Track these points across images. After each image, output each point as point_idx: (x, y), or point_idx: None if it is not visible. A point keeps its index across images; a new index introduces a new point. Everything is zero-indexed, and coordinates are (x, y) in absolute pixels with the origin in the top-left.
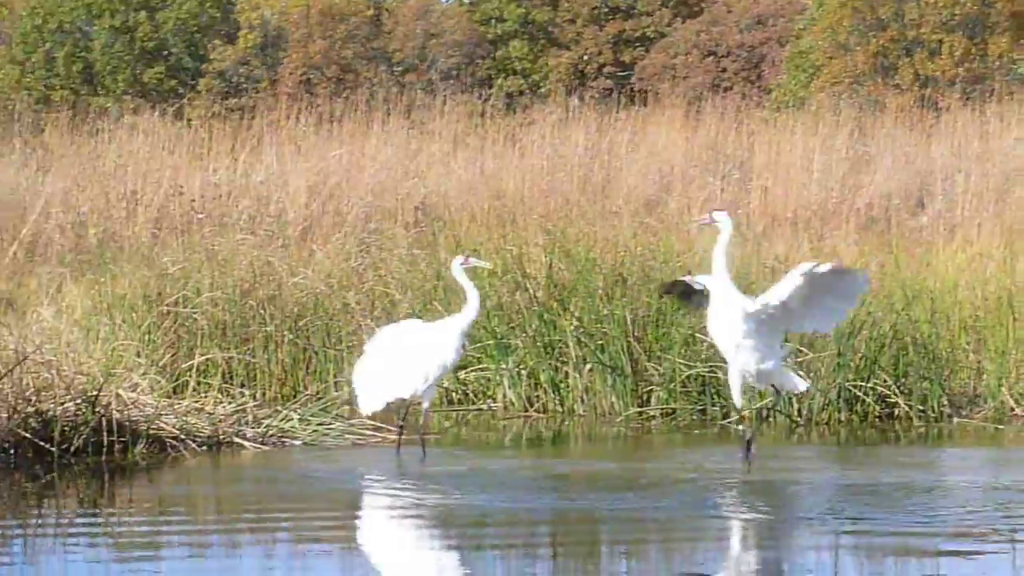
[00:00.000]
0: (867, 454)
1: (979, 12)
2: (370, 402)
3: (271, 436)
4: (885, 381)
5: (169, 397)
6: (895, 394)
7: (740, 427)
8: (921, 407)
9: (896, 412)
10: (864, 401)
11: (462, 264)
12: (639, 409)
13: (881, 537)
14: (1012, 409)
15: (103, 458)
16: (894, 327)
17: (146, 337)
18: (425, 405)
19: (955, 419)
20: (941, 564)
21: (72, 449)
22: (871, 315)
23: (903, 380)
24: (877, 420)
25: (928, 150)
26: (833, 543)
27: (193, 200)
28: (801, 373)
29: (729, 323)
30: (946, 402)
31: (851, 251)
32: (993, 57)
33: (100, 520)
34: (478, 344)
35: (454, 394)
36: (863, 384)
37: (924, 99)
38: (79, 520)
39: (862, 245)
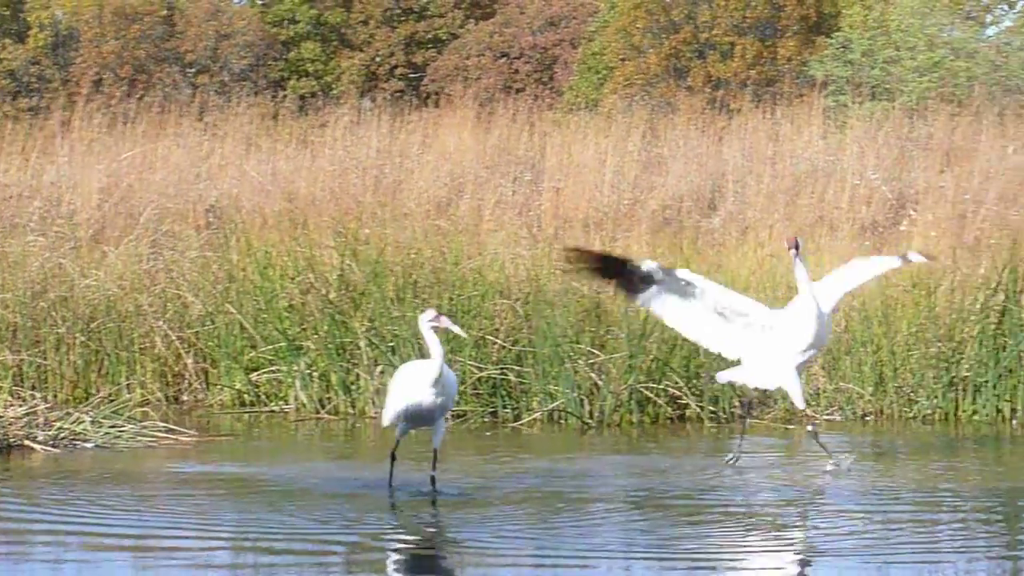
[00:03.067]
0: (661, 456)
1: (770, 16)
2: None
3: (62, 439)
4: (677, 383)
5: None
6: (687, 395)
7: (809, 427)
8: (712, 408)
9: (687, 413)
10: (656, 402)
11: (430, 321)
12: None
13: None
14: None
15: None
16: None
17: None
18: (434, 442)
19: (746, 420)
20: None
21: None
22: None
23: (694, 381)
24: (669, 421)
25: (720, 152)
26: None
27: None
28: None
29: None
30: (737, 403)
31: (644, 252)
32: (783, 60)
33: None
34: (269, 345)
35: (246, 396)
36: (655, 386)
37: (716, 101)
38: None
39: (654, 246)
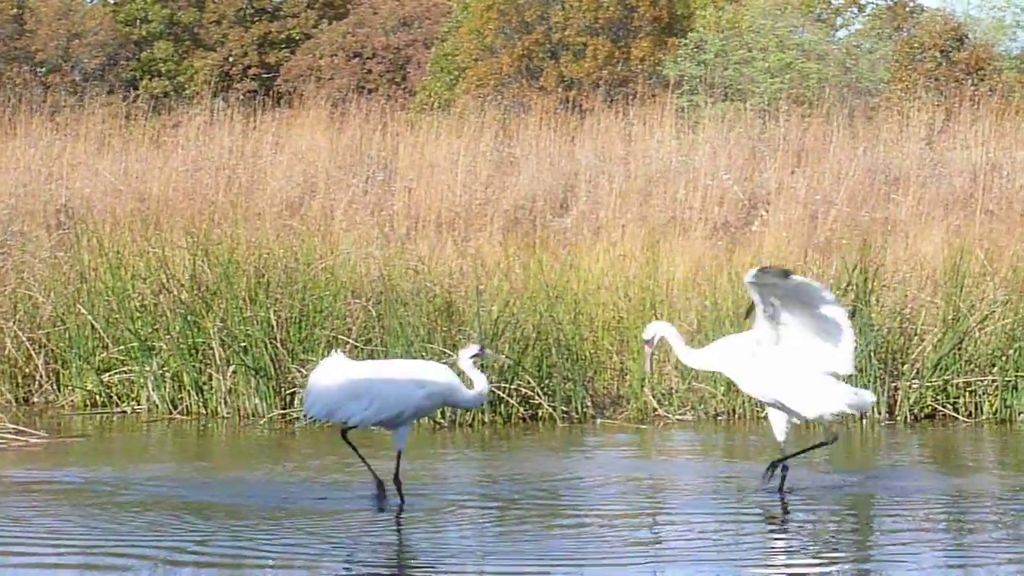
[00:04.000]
0: (512, 456)
1: (622, 16)
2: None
3: None
4: (529, 382)
5: None
6: (539, 395)
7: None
8: (565, 408)
9: (540, 413)
10: (508, 402)
11: (473, 357)
12: (282, 411)
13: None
14: (655, 409)
15: None
16: (537, 328)
17: None
18: (399, 445)
19: (598, 420)
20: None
21: None
22: (515, 316)
23: (547, 381)
24: (521, 421)
25: (572, 152)
26: (480, 533)
27: None
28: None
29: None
30: (589, 403)
31: (496, 252)
32: (636, 60)
33: None
34: (121, 346)
35: (98, 396)
36: (507, 386)
37: (569, 101)
38: None
39: (507, 246)
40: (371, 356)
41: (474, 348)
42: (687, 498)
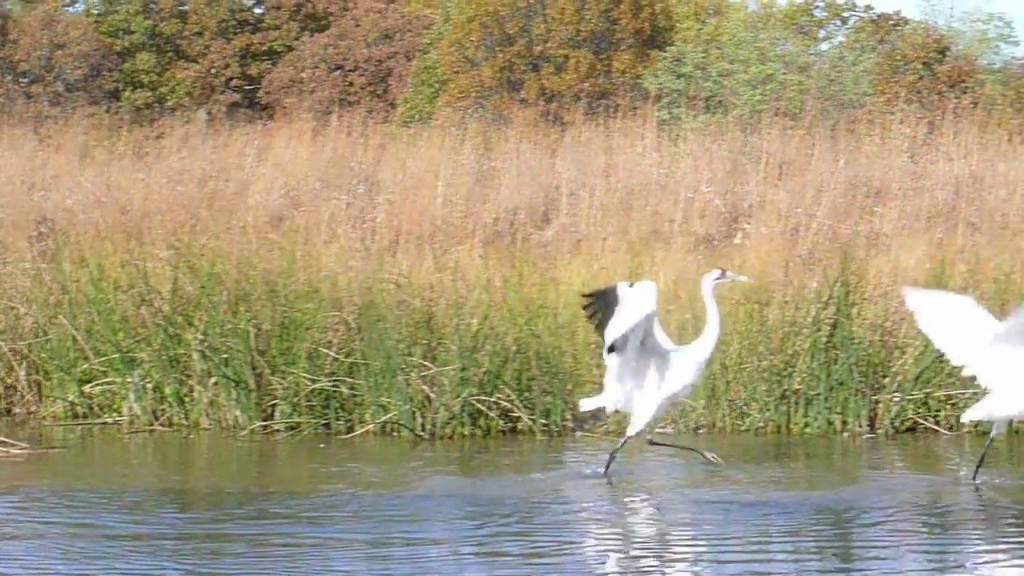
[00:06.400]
0: (492, 470)
1: (604, 29)
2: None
3: None
4: (508, 395)
5: None
6: (518, 408)
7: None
8: (544, 421)
9: (519, 427)
10: (488, 415)
11: (717, 280)
12: (263, 423)
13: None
14: None
15: None
16: (517, 341)
17: None
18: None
19: (578, 433)
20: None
21: None
22: (494, 329)
23: (526, 394)
24: (501, 434)
25: (553, 165)
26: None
27: None
28: None
29: None
30: (569, 416)
31: (476, 265)
32: (617, 73)
33: None
34: (103, 357)
35: (79, 408)
36: (487, 399)
37: (550, 114)
38: None
39: (487, 259)
40: (351, 369)
41: (716, 272)
42: (666, 515)
